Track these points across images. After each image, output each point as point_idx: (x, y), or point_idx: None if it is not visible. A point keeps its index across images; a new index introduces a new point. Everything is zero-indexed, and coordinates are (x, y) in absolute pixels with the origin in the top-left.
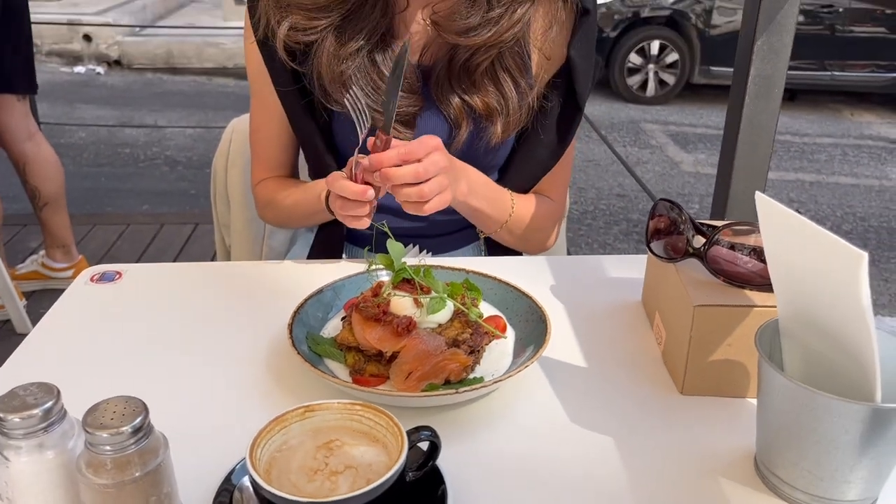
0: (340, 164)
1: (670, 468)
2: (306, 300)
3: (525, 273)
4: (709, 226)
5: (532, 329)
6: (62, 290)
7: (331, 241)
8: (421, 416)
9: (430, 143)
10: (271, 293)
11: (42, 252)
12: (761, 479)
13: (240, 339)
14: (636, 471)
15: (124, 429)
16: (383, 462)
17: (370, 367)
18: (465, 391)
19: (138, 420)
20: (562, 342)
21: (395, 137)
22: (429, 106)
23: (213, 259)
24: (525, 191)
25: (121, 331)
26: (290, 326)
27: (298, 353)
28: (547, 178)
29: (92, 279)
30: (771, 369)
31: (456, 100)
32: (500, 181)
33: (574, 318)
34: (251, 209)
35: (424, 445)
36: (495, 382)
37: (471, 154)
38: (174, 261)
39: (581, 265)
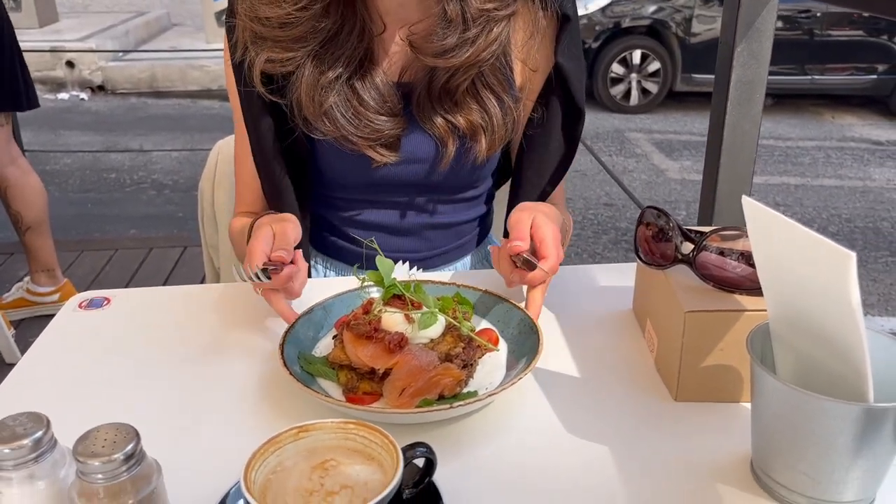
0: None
1: (667, 475)
2: (297, 320)
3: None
4: (697, 232)
5: (524, 340)
6: (50, 317)
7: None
8: (416, 433)
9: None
10: (261, 315)
11: (27, 278)
12: (758, 483)
13: (231, 362)
14: (633, 479)
15: (116, 456)
16: (379, 480)
17: (363, 384)
18: (460, 405)
19: (130, 447)
20: (555, 353)
21: (380, 159)
22: (413, 127)
23: (202, 281)
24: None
25: (110, 357)
26: (282, 346)
27: (290, 373)
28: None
29: (80, 306)
30: (763, 373)
31: (439, 120)
32: (513, 196)
33: (566, 328)
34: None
35: (420, 462)
36: (490, 396)
37: (457, 171)
38: (163, 284)
39: (571, 275)
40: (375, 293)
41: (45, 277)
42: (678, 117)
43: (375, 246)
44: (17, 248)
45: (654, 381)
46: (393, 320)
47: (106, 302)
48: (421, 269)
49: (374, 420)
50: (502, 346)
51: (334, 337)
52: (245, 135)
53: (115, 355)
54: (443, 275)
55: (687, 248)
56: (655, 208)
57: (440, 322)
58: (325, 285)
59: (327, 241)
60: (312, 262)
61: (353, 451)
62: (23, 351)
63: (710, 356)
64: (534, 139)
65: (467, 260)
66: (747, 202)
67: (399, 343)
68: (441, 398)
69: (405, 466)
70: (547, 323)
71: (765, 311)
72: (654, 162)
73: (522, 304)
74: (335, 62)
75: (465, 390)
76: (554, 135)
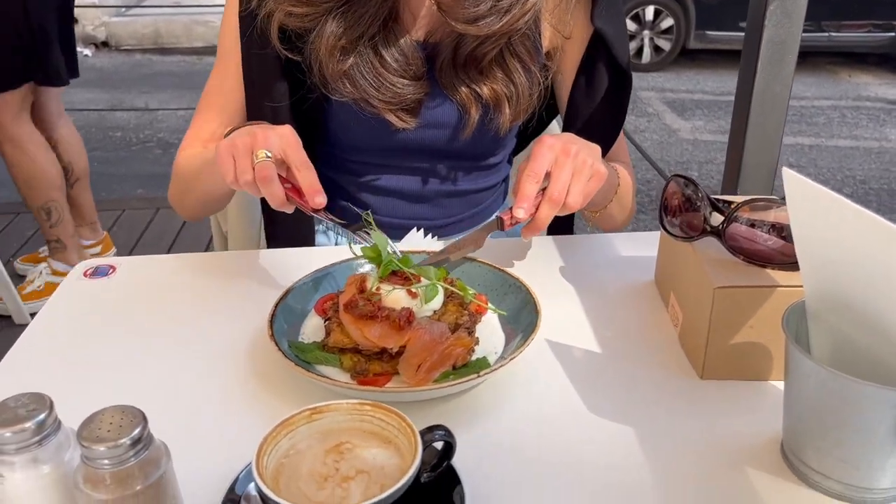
0: (324, 149)
1: (692, 456)
2: (274, 313)
3: (532, 254)
4: (725, 201)
5: (513, 298)
6: None
7: (298, 225)
8: (432, 408)
9: (543, 155)
10: (272, 283)
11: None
12: (789, 466)
13: (241, 333)
14: (657, 460)
15: (122, 441)
16: (396, 465)
17: (373, 366)
18: (487, 373)
19: (137, 431)
20: (573, 325)
21: (399, 124)
22: (435, 92)
23: (209, 244)
24: None
25: (116, 328)
26: (273, 337)
27: (296, 363)
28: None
29: (85, 274)
30: (801, 355)
31: (463, 88)
32: None
33: (585, 299)
34: (246, 193)
35: (438, 444)
36: (511, 358)
37: (479, 139)
38: (171, 246)
39: (588, 244)
40: (366, 268)
41: (89, 231)
42: (691, 76)
43: (370, 219)
44: (21, 207)
45: (679, 358)
46: (394, 297)
47: (111, 270)
48: (436, 238)
49: (396, 401)
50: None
51: (326, 321)
52: (225, 81)
53: (119, 328)
54: (413, 244)
55: (716, 219)
56: (682, 177)
57: (441, 293)
58: (335, 254)
59: (339, 207)
60: (322, 229)
61: (369, 434)
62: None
63: (740, 333)
64: (578, 109)
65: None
66: (788, 174)
67: (408, 319)
68: (453, 369)
69: (423, 450)
70: (565, 294)
71: (798, 287)
72: (665, 122)
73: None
74: (358, 20)
75: (473, 357)
76: (599, 104)
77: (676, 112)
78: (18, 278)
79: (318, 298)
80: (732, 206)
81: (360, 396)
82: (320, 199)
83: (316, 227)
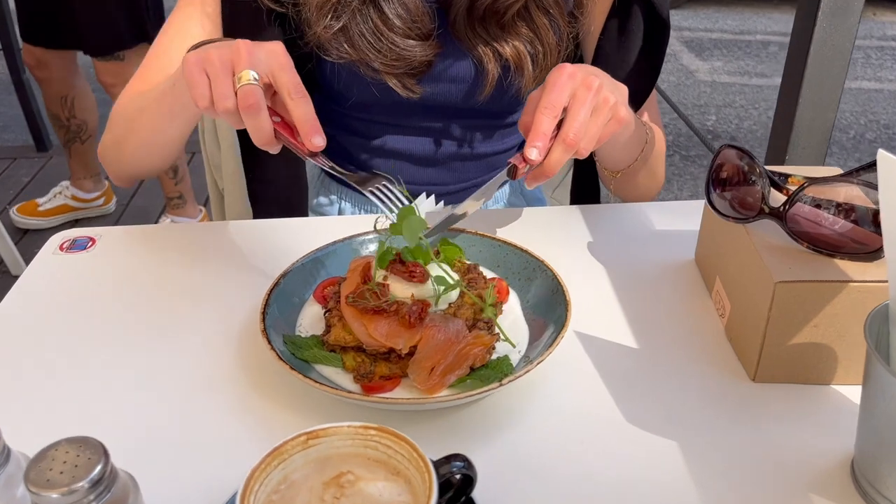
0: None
1: (745, 474)
2: (267, 302)
3: (555, 225)
4: (780, 175)
5: (538, 285)
6: (94, 220)
7: (289, 185)
8: (444, 417)
9: (562, 85)
10: (267, 260)
11: (65, 183)
12: (861, 493)
13: (231, 322)
14: (701, 476)
15: (79, 485)
16: (406, 502)
17: (379, 368)
18: (511, 380)
19: (97, 471)
20: (604, 314)
21: (403, 92)
22: (449, 46)
23: (206, 202)
24: None
25: (89, 317)
26: (265, 332)
27: (291, 368)
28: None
29: (61, 247)
30: (882, 368)
31: (481, 45)
32: None
33: (616, 281)
34: (229, 135)
35: (457, 476)
36: (539, 362)
37: (498, 98)
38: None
39: (619, 215)
40: (373, 248)
41: (92, 183)
42: (709, 13)
43: (405, 193)
44: (18, 152)
45: (726, 355)
46: (402, 288)
47: (91, 243)
48: (450, 205)
49: (407, 411)
50: (513, 297)
51: (326, 312)
52: (190, 25)
53: (93, 316)
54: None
55: (776, 198)
56: (735, 147)
57: (455, 278)
58: (346, 223)
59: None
60: (324, 194)
61: (374, 463)
62: (27, 261)
63: (802, 333)
64: (607, 59)
65: (501, 192)
66: (884, 157)
67: (420, 316)
68: (471, 370)
69: (439, 486)
70: (592, 275)
71: (874, 282)
72: (682, 62)
73: (521, 243)
74: None
75: (493, 357)
76: (634, 52)
77: (694, 52)
78: (15, 230)
79: (318, 283)
80: (798, 184)
81: (365, 405)
82: (318, 140)
83: (313, 188)
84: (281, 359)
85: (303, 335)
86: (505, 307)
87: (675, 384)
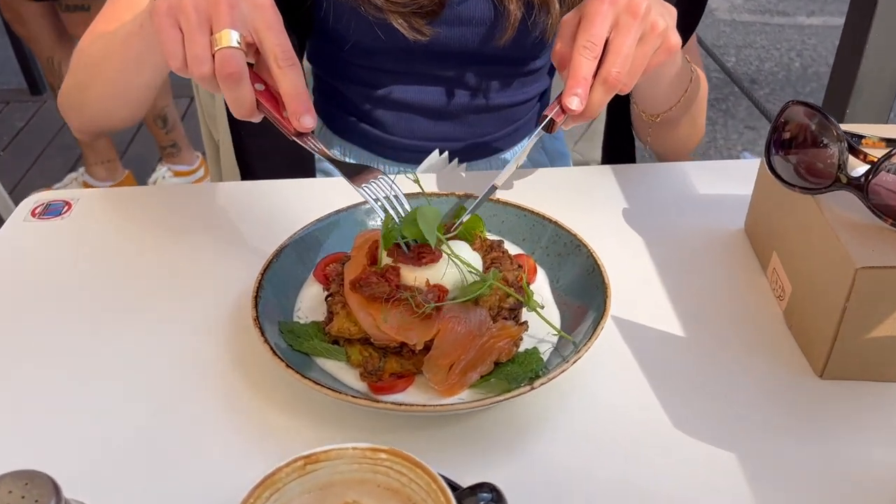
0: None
1: (808, 487)
2: (260, 284)
3: (585, 188)
4: (854, 135)
5: (571, 262)
6: None
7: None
8: (463, 421)
9: (604, 15)
10: (262, 228)
11: (81, 170)
12: None
13: (221, 304)
14: (759, 491)
15: None
16: None
17: (389, 363)
18: (543, 383)
19: None
20: (644, 294)
21: (410, 35)
22: None
23: (203, 152)
24: None
25: (59, 296)
26: (258, 320)
27: (288, 365)
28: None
29: (33, 213)
30: None
31: None
32: None
33: (656, 253)
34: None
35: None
36: (574, 361)
37: (519, 42)
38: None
39: (657, 176)
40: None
41: (104, 170)
42: None
43: (417, 180)
44: (12, 96)
45: (786, 345)
46: (413, 273)
47: (66, 208)
48: (464, 163)
49: (423, 416)
50: (541, 275)
51: (328, 297)
52: None
53: (63, 296)
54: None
55: (852, 165)
56: (804, 103)
57: (476, 259)
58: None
59: (345, 121)
60: (328, 147)
61: (385, 491)
62: None
63: (883, 325)
64: None
65: (518, 148)
66: None
67: (437, 305)
68: (495, 366)
69: None
70: (629, 246)
71: None
72: None
73: (548, 213)
74: None
75: (522, 349)
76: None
77: None
78: None
79: (320, 260)
80: (875, 146)
81: (373, 409)
82: (307, 121)
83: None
84: (276, 353)
85: (302, 321)
86: (533, 287)
87: (726, 380)
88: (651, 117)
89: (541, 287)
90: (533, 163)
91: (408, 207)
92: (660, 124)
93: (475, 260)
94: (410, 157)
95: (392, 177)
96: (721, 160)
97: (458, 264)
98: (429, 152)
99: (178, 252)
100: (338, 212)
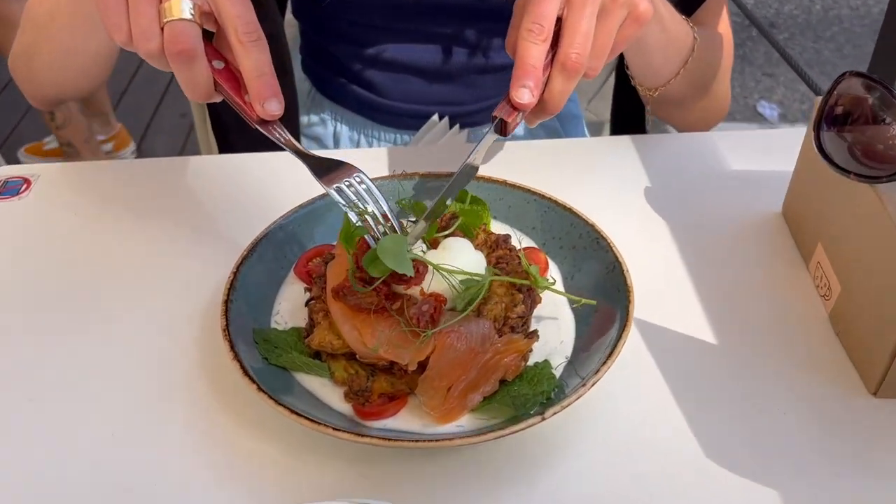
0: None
1: None
2: (232, 285)
3: (599, 162)
4: None
5: (588, 258)
6: None
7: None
8: (462, 452)
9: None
10: (240, 210)
11: None
12: None
13: (190, 299)
14: None
15: None
16: None
17: (378, 383)
18: (557, 411)
19: None
20: (670, 292)
21: None
22: None
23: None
24: None
25: (10, 288)
26: (227, 330)
27: (260, 389)
28: (703, 7)
29: None
30: None
31: None
32: None
33: (681, 242)
34: None
35: None
36: (593, 384)
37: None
38: (163, 94)
39: (679, 148)
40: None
41: (98, 124)
42: None
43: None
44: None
45: (832, 354)
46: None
47: (25, 186)
48: (465, 130)
49: (416, 451)
50: (553, 272)
51: (308, 302)
52: None
53: (15, 287)
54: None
55: None
56: (862, 75)
57: (479, 260)
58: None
59: (334, 83)
60: (314, 112)
61: None
62: None
63: None
64: None
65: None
66: None
67: (433, 318)
68: (501, 383)
69: None
70: (646, 233)
71: None
72: None
73: (568, 202)
74: None
75: (531, 362)
76: None
77: None
78: None
79: (301, 255)
80: None
81: (359, 442)
82: (273, 106)
83: (301, 103)
84: (246, 373)
85: (280, 327)
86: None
87: (763, 397)
88: (648, 91)
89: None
90: (542, 126)
91: (388, 211)
92: (664, 101)
93: (477, 263)
94: (407, 123)
95: (368, 175)
96: (758, 129)
97: (445, 277)
98: (427, 118)
99: (143, 238)
100: (323, 196)
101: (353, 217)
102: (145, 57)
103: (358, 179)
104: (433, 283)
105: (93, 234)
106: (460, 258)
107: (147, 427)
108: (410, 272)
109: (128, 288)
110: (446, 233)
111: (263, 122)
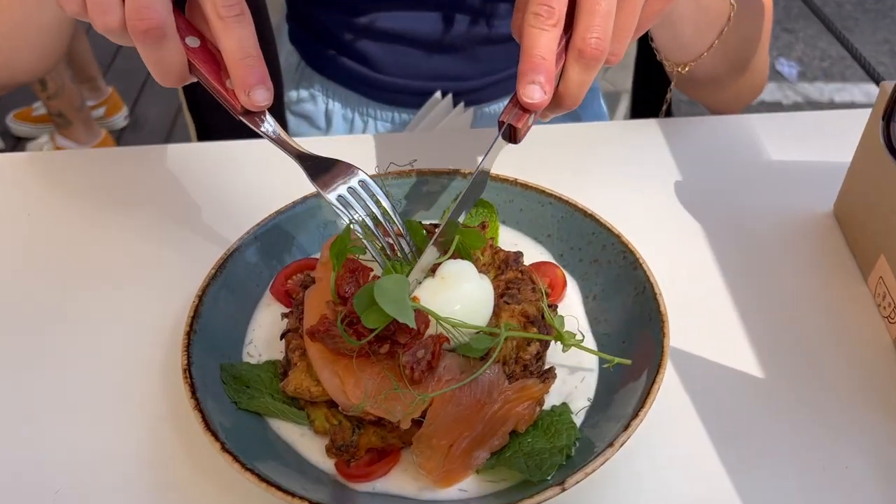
0: None
1: None
2: (195, 314)
3: (621, 149)
4: None
5: (612, 273)
6: None
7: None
8: None
9: None
10: (213, 210)
11: None
12: None
13: (156, 316)
14: None
15: None
16: None
17: (366, 437)
18: (575, 481)
19: None
20: (703, 309)
21: None
22: None
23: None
24: None
25: None
26: (189, 371)
27: (224, 449)
28: None
29: None
30: None
31: None
32: None
33: (718, 248)
34: None
35: None
36: (624, 440)
37: None
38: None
39: (715, 133)
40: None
41: (87, 89)
42: None
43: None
44: None
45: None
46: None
47: None
48: (471, 108)
49: None
50: (572, 291)
51: (284, 334)
52: None
53: None
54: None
55: None
56: None
57: (484, 292)
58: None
59: (324, 55)
60: (304, 87)
61: None
62: None
63: None
64: None
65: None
66: None
67: (430, 365)
68: (512, 435)
69: None
70: (676, 238)
71: None
72: None
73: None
74: None
75: (547, 405)
76: None
77: None
78: (12, 138)
79: (279, 270)
80: None
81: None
82: (260, 95)
83: (288, 77)
84: (209, 428)
85: (253, 360)
86: (561, 306)
87: (820, 446)
88: (676, 67)
89: (570, 305)
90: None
91: (399, 225)
92: (694, 78)
93: (482, 296)
94: (406, 100)
95: (374, 175)
96: (800, 112)
97: (449, 330)
98: (428, 95)
99: (106, 243)
100: (305, 199)
101: (360, 233)
102: (103, 32)
103: (360, 182)
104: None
105: (44, 241)
106: (461, 289)
107: (99, 472)
108: (412, 323)
109: (81, 307)
110: (441, 259)
111: (248, 114)
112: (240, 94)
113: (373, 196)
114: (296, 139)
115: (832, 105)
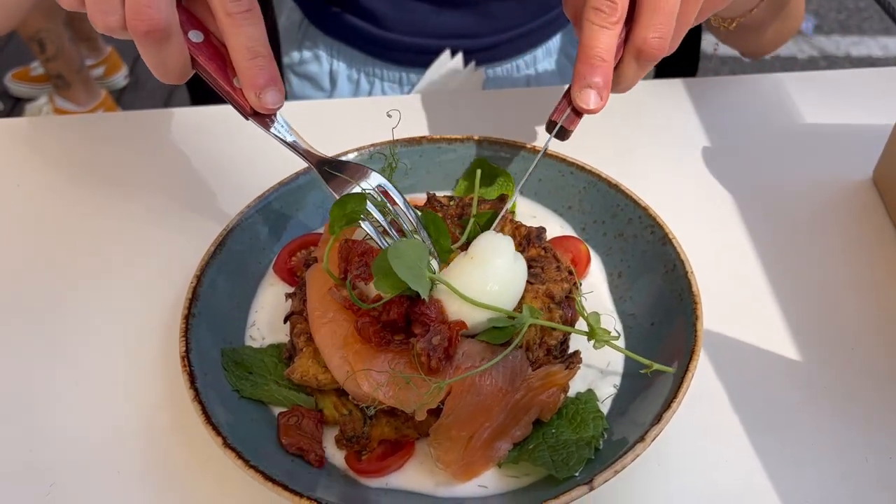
0: None
1: None
2: (194, 296)
3: (645, 112)
4: None
5: (639, 249)
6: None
7: None
8: None
9: None
10: (212, 180)
11: None
12: None
13: (153, 299)
14: None
15: None
16: None
17: (378, 428)
18: (603, 475)
19: None
20: (736, 287)
21: None
22: None
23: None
24: None
25: None
26: (187, 358)
27: (226, 445)
28: None
29: None
30: None
31: None
32: None
33: (749, 219)
34: None
35: None
36: (656, 434)
37: None
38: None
39: (744, 93)
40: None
41: (86, 49)
42: None
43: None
44: None
45: None
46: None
47: None
48: (484, 68)
49: None
50: (595, 267)
51: (288, 317)
52: None
53: None
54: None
55: None
56: None
57: (518, 272)
58: (330, 113)
59: (327, 13)
60: (307, 47)
61: None
62: None
63: None
64: None
65: (554, 44)
66: None
67: (447, 352)
68: (535, 424)
69: None
70: (705, 210)
71: None
72: None
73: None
74: None
75: (571, 392)
76: None
77: None
78: (10, 99)
79: (282, 246)
80: None
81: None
82: (271, 98)
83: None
84: (209, 421)
85: (256, 343)
86: (584, 284)
87: (866, 436)
88: (724, 23)
89: (594, 284)
90: (567, 56)
91: (413, 219)
92: (740, 30)
93: (515, 275)
94: (414, 59)
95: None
96: (829, 70)
97: (467, 298)
98: (437, 53)
99: (99, 219)
100: (308, 170)
101: (377, 238)
102: (104, 31)
103: (379, 188)
104: (448, 304)
105: (30, 219)
106: (491, 266)
107: (94, 466)
108: (424, 292)
109: (74, 291)
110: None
111: (258, 115)
112: (249, 96)
113: (392, 204)
114: (299, 102)
115: (848, 59)
